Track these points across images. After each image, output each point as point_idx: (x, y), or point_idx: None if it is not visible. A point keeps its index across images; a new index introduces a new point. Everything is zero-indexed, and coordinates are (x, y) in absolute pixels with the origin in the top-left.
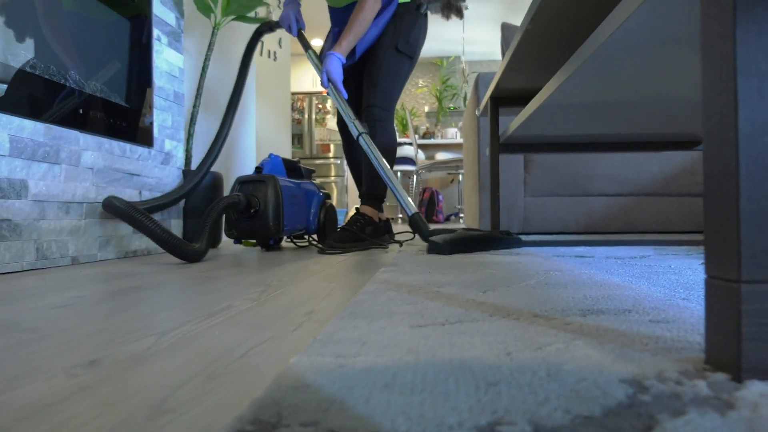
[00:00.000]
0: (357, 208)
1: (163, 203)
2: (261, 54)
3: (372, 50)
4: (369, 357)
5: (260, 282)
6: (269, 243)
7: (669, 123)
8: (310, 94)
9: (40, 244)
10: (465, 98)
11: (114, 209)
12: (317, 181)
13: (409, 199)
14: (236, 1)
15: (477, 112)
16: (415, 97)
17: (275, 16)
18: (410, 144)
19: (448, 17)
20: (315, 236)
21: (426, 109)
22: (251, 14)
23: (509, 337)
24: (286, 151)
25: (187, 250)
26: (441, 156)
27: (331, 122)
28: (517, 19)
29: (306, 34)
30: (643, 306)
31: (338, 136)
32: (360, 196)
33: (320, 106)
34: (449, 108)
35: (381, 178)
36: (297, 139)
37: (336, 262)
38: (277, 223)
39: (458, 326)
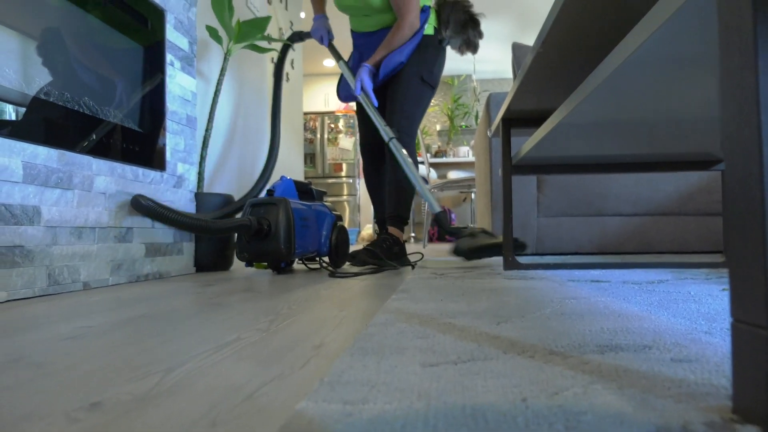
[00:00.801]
0: (383, 228)
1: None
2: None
3: (396, 77)
4: (377, 404)
5: (270, 310)
6: (281, 266)
7: (685, 142)
8: (322, 113)
9: (52, 270)
10: (476, 117)
11: (140, 207)
12: (329, 201)
13: (434, 198)
14: (246, 28)
15: (489, 133)
16: (427, 116)
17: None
18: (422, 163)
19: (463, 53)
20: (326, 258)
21: (438, 127)
22: (265, 43)
23: (524, 379)
24: (298, 170)
25: (214, 226)
26: (453, 175)
27: (343, 141)
28: (528, 38)
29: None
30: (663, 341)
31: (350, 156)
32: (386, 218)
33: (332, 125)
34: (461, 126)
35: (406, 200)
36: (309, 158)
37: (347, 287)
38: (289, 245)
39: (471, 365)
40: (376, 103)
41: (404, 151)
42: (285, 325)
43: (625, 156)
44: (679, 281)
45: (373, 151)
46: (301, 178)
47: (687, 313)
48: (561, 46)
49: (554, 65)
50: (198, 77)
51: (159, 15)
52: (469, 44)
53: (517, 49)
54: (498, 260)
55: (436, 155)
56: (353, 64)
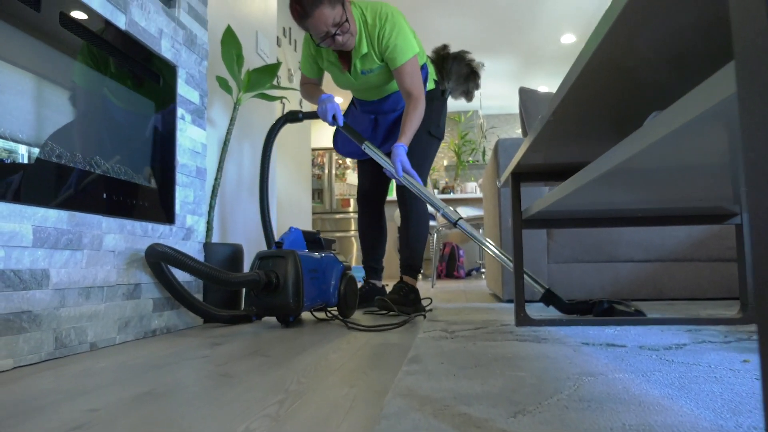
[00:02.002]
0: (402, 277)
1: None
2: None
3: None
4: None
5: (279, 385)
6: (289, 319)
7: (698, 197)
8: (330, 149)
9: (59, 333)
10: (484, 153)
11: (156, 255)
12: (337, 235)
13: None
14: (256, 76)
15: (498, 183)
16: None
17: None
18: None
19: (456, 99)
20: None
21: (445, 162)
22: (274, 91)
23: None
24: (306, 206)
25: (226, 278)
26: (461, 212)
27: (351, 177)
28: (533, 75)
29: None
30: None
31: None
32: (401, 266)
33: (340, 161)
34: (468, 161)
35: (420, 251)
36: (317, 194)
37: (357, 346)
38: (297, 300)
39: None
40: (420, 181)
41: (473, 229)
42: (294, 409)
43: (637, 210)
44: (697, 346)
45: (371, 202)
46: (309, 212)
47: (710, 399)
48: (572, 115)
49: (563, 130)
50: (207, 124)
51: (171, 71)
52: (467, 94)
53: (524, 93)
54: (511, 317)
55: (443, 191)
56: (367, 127)
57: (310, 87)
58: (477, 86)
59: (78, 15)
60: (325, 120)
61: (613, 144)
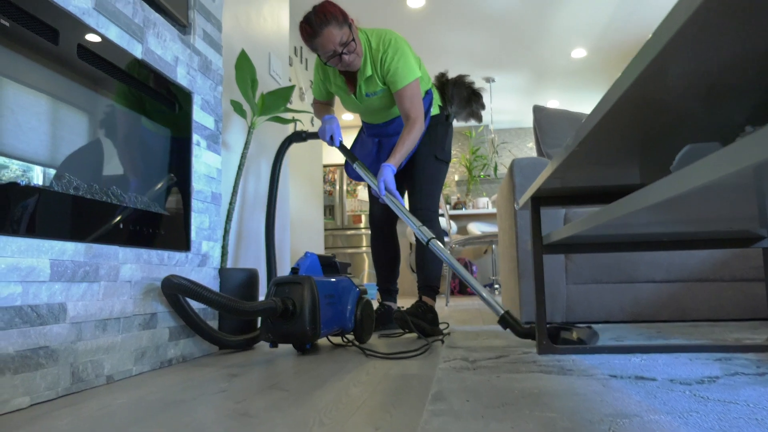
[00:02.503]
0: (421, 297)
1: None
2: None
3: (412, 159)
4: None
5: (301, 425)
6: (306, 347)
7: (726, 222)
8: (341, 166)
9: (76, 367)
10: (495, 168)
11: (172, 287)
12: (348, 251)
13: (493, 300)
14: (270, 100)
15: (516, 206)
16: None
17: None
18: (442, 215)
19: (467, 121)
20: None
21: (456, 177)
22: (287, 114)
23: None
24: (318, 223)
25: (242, 308)
26: (473, 226)
27: (362, 193)
28: (542, 89)
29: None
30: None
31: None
32: (419, 287)
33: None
34: (479, 176)
35: (437, 271)
36: (329, 210)
37: (377, 378)
38: (314, 327)
39: None
40: (402, 201)
41: (445, 250)
42: None
43: (661, 234)
44: (731, 379)
45: (383, 226)
46: (321, 230)
47: None
48: (596, 144)
49: (587, 158)
50: (222, 147)
51: (187, 97)
52: (474, 115)
53: (538, 112)
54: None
55: (455, 207)
56: (374, 148)
57: (320, 106)
58: (482, 106)
59: (95, 46)
60: (324, 140)
61: (635, 170)
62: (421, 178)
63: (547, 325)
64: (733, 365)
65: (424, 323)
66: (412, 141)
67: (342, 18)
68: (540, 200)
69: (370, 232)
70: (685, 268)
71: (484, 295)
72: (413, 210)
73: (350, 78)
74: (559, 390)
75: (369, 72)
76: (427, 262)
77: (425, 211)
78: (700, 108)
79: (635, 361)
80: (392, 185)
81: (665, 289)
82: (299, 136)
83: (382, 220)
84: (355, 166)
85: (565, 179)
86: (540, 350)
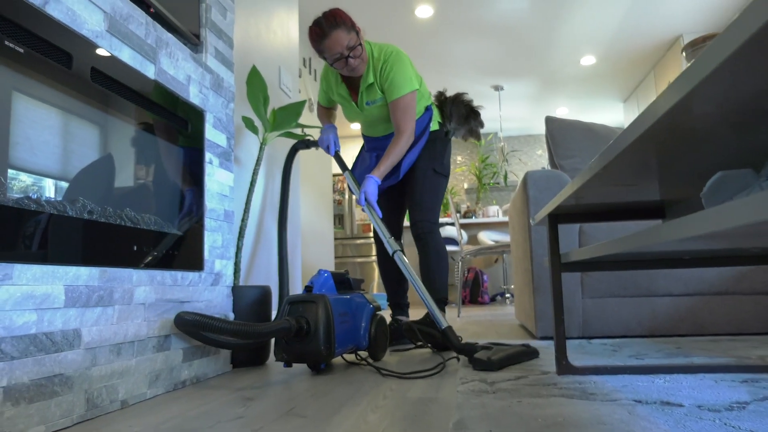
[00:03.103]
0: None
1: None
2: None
3: (410, 172)
4: None
5: None
6: (320, 366)
7: (748, 239)
8: None
9: (91, 393)
10: (506, 177)
11: (185, 323)
12: (358, 260)
13: (440, 314)
14: (281, 115)
15: (532, 221)
16: (455, 176)
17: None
18: (452, 224)
19: (466, 140)
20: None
21: (465, 185)
22: (297, 130)
23: None
24: (327, 232)
25: (256, 331)
26: (484, 235)
27: None
28: (551, 97)
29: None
30: None
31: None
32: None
33: None
34: (489, 184)
35: (444, 282)
36: (338, 219)
37: (394, 405)
38: (329, 346)
39: None
40: (380, 214)
41: (408, 263)
42: None
43: (681, 252)
44: (760, 405)
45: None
46: (331, 240)
47: None
48: (620, 167)
49: (609, 179)
50: (233, 164)
51: (199, 116)
52: (472, 133)
53: (551, 123)
54: (549, 359)
55: (465, 215)
56: (370, 162)
57: (323, 111)
58: (480, 124)
59: (108, 68)
60: (322, 147)
61: (655, 187)
62: (421, 191)
63: (465, 343)
64: (760, 388)
65: (435, 332)
66: (398, 154)
67: (350, 24)
68: (558, 217)
69: (375, 248)
70: (704, 281)
71: (433, 308)
72: (414, 222)
73: (353, 87)
74: (584, 419)
75: (371, 80)
76: (433, 276)
77: (426, 223)
78: (730, 133)
79: (659, 384)
80: (373, 197)
81: (683, 303)
82: (304, 144)
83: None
84: (345, 174)
85: (583, 197)
86: (559, 370)
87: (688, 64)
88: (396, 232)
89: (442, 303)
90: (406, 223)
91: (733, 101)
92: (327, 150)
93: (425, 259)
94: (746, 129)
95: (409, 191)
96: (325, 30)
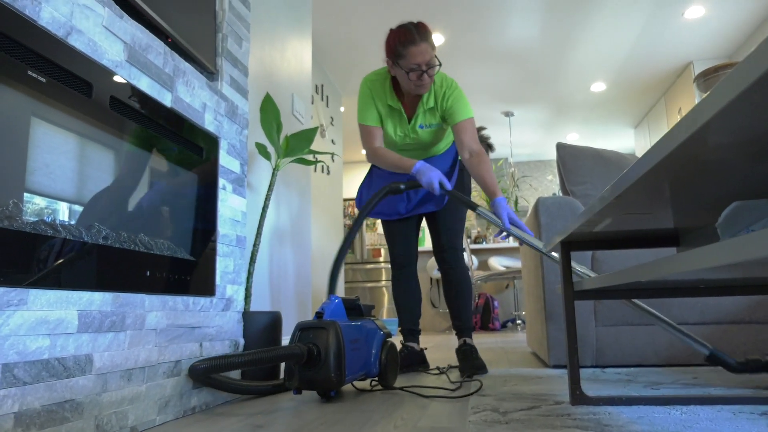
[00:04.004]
0: (465, 340)
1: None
2: (315, 170)
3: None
4: None
5: None
6: (330, 394)
7: (766, 268)
8: None
9: (101, 420)
10: (516, 202)
11: (200, 372)
12: (368, 285)
13: None
14: (294, 142)
15: (544, 248)
16: None
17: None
18: (464, 250)
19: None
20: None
21: None
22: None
23: None
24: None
25: (267, 356)
26: (494, 261)
27: (381, 227)
28: (561, 123)
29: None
30: None
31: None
32: (464, 330)
33: None
34: None
35: (469, 309)
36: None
37: (411, 428)
38: (339, 373)
39: None
40: (530, 232)
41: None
42: None
43: (697, 281)
44: None
45: (405, 266)
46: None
47: None
48: (634, 197)
49: (621, 208)
50: (247, 189)
51: (213, 143)
52: (486, 147)
53: (562, 149)
54: (562, 388)
55: (476, 241)
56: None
57: (376, 132)
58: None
59: (127, 97)
60: (431, 187)
61: (668, 215)
62: (453, 218)
63: None
64: None
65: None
66: (491, 170)
67: (434, 44)
68: (570, 244)
69: (391, 271)
70: (720, 310)
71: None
72: (445, 247)
73: (405, 104)
74: None
75: (431, 104)
76: (462, 302)
77: (454, 251)
78: (746, 163)
79: (676, 416)
80: (515, 216)
81: (700, 332)
82: (397, 189)
83: (405, 258)
84: (478, 210)
85: (595, 225)
86: (573, 400)
87: (701, 94)
88: (413, 258)
89: (471, 330)
90: None
91: (750, 132)
92: (440, 189)
93: (458, 286)
94: (763, 158)
95: (441, 220)
96: (415, 37)
